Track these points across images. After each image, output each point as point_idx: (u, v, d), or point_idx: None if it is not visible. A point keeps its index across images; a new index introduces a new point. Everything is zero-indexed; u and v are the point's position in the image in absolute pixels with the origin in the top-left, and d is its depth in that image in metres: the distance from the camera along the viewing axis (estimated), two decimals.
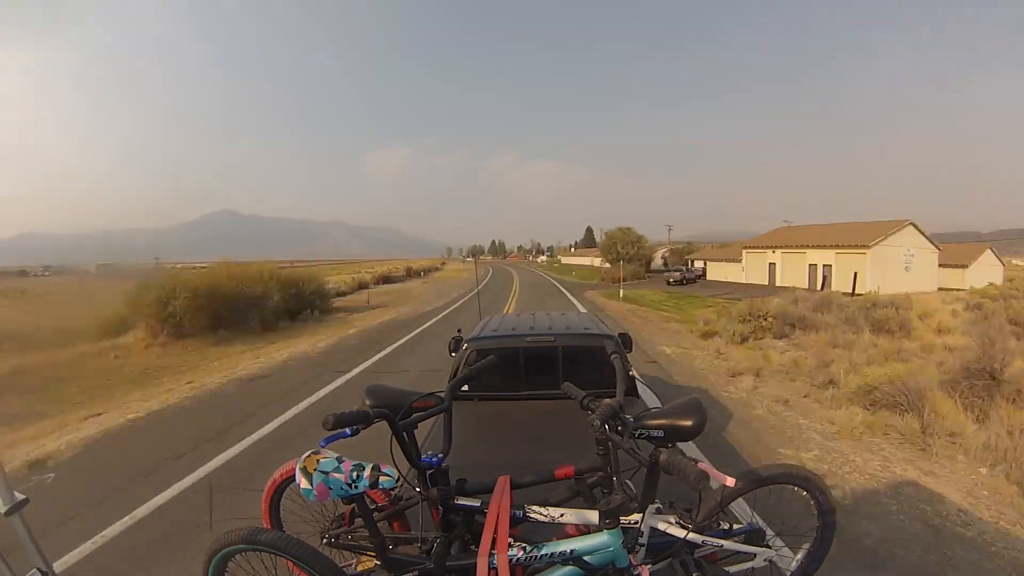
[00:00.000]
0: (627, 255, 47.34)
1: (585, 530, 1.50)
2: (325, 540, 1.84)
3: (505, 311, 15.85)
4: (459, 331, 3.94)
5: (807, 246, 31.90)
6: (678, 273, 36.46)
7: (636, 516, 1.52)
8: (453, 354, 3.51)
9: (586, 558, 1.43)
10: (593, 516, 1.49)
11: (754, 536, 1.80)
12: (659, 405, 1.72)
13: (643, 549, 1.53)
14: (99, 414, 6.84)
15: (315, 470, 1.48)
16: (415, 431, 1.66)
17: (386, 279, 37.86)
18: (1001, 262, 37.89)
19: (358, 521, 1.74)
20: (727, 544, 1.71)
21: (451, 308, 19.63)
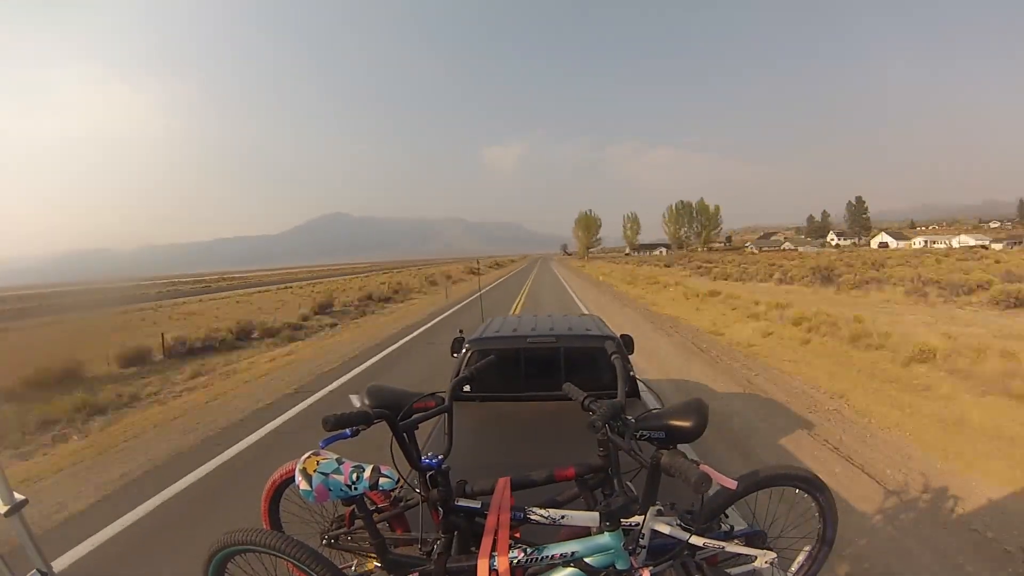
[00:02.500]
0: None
1: (586, 532, 1.49)
2: (325, 541, 1.83)
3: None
4: (461, 331, 3.93)
5: None
6: None
7: (637, 518, 1.51)
8: (455, 355, 3.50)
9: (587, 560, 1.42)
10: (594, 518, 1.48)
11: (755, 538, 1.79)
12: (660, 406, 1.71)
13: (644, 551, 1.52)
14: None
15: (315, 471, 1.47)
16: (416, 432, 1.65)
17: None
18: None
19: (358, 522, 1.73)
20: (728, 546, 1.71)
21: None
